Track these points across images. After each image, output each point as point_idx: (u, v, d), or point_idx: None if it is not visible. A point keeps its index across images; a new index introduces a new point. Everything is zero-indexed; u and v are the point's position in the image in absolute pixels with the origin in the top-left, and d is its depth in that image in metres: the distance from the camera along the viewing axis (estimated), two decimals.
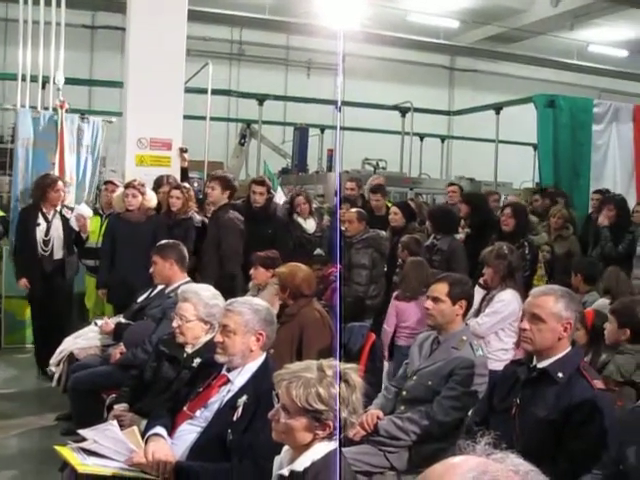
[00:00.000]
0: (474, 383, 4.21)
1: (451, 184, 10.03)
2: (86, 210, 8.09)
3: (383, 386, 4.73)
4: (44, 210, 7.65)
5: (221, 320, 3.72)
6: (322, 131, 16.74)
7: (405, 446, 4.17)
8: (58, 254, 7.70)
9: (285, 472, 2.62)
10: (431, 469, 1.35)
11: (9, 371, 7.84)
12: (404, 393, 4.41)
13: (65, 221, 7.80)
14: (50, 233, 7.65)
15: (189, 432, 3.54)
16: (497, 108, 13.73)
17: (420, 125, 16.84)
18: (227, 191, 7.42)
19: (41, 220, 7.62)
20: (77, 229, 7.86)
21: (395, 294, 6.41)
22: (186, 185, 8.11)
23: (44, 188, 7.62)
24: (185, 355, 4.40)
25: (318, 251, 8.04)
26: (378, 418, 4.25)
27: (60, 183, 7.76)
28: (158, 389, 4.37)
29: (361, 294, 7.07)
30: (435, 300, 4.43)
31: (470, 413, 4.18)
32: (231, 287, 6.27)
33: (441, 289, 4.43)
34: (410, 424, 4.16)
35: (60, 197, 7.79)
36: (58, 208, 7.78)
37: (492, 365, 4.68)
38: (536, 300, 3.55)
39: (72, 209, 8.05)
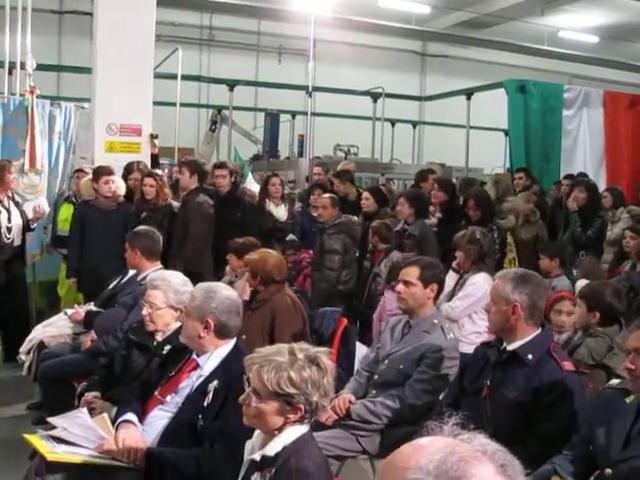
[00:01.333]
0: (445, 366, 4.24)
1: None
2: (46, 206, 7.97)
3: (355, 370, 4.72)
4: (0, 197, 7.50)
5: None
6: (293, 117, 16.70)
7: (377, 430, 4.19)
8: (17, 241, 7.58)
9: (257, 457, 2.61)
10: (399, 450, 1.35)
11: None
12: (376, 377, 4.42)
13: (19, 208, 7.68)
14: (12, 220, 7.52)
15: (160, 418, 3.52)
16: (468, 93, 13.75)
17: (392, 111, 16.82)
18: (195, 175, 7.40)
19: (1, 207, 7.48)
20: (29, 218, 7.73)
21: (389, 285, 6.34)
22: (158, 172, 8.06)
23: (2, 172, 7.43)
24: (155, 343, 4.37)
25: (290, 237, 8.04)
26: (350, 402, 4.26)
27: (13, 168, 7.59)
28: (128, 377, 4.33)
29: (334, 278, 7.06)
30: (406, 284, 4.43)
31: (441, 396, 4.21)
32: (197, 272, 6.23)
33: (412, 272, 4.44)
34: (382, 408, 4.17)
35: (13, 182, 7.61)
36: (9, 194, 7.62)
37: (465, 348, 4.70)
38: (493, 284, 3.69)
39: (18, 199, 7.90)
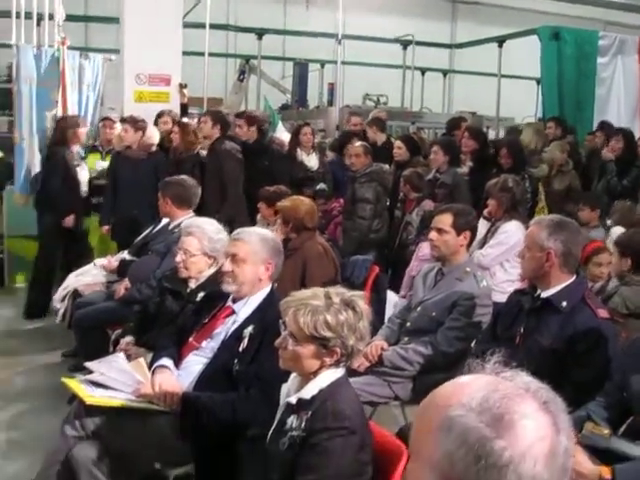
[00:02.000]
0: (478, 314, 4.23)
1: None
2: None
3: (386, 318, 4.74)
4: (72, 151, 7.62)
5: (229, 249, 3.70)
6: (322, 66, 16.53)
7: (409, 376, 4.22)
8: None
9: (293, 400, 2.65)
10: (439, 389, 1.36)
11: (13, 310, 7.86)
12: (408, 324, 4.44)
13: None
14: (88, 174, 7.79)
15: (195, 363, 3.57)
16: (500, 41, 13.49)
17: (422, 59, 16.61)
18: (217, 125, 7.39)
19: (78, 161, 7.64)
20: None
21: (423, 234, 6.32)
22: (185, 120, 8.06)
23: (73, 128, 7.55)
24: (189, 290, 4.41)
25: (321, 186, 8.02)
26: (382, 349, 4.29)
27: (83, 122, 7.83)
28: (163, 323, 4.38)
29: (365, 227, 7.06)
30: (439, 231, 4.42)
31: (473, 344, 4.22)
32: (237, 217, 6.26)
33: (445, 220, 4.43)
34: (414, 354, 4.20)
35: (84, 137, 7.85)
36: (76, 149, 7.76)
37: (497, 297, 4.68)
38: (527, 230, 3.68)
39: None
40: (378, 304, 5.33)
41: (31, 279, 7.74)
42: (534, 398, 1.29)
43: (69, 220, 7.50)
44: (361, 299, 2.67)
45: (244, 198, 7.27)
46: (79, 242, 7.80)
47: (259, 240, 3.63)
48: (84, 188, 7.78)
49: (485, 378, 1.33)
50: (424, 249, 5.82)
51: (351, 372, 3.53)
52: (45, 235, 7.59)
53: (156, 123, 8.04)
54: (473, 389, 1.29)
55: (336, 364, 2.63)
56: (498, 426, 1.23)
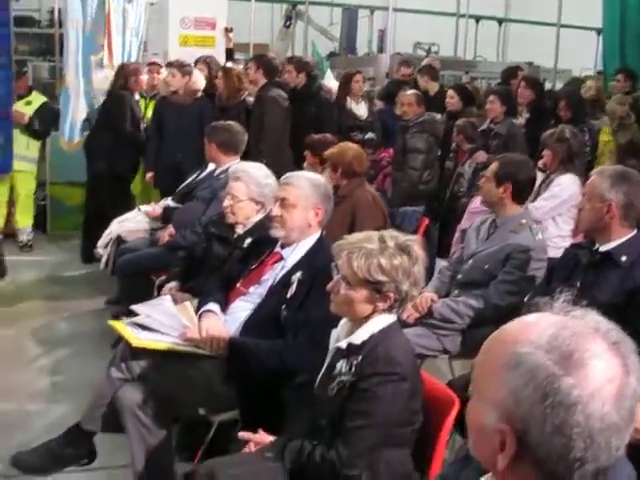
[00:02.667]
0: (532, 268, 4.19)
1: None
2: None
3: (437, 270, 4.73)
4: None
5: (278, 194, 3.71)
6: (372, 12, 16.30)
7: (459, 329, 4.22)
8: None
9: (343, 345, 2.66)
10: (506, 327, 1.35)
11: (57, 256, 8.01)
12: (459, 276, 4.42)
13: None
14: None
15: (242, 309, 3.60)
16: None
17: (476, 6, 16.29)
18: (261, 69, 7.38)
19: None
20: None
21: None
22: (229, 65, 8.04)
23: (135, 75, 7.65)
24: (236, 236, 4.43)
25: (370, 135, 7.96)
26: (432, 301, 4.28)
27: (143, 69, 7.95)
28: (209, 268, 4.42)
29: (415, 178, 7.02)
30: (485, 179, 4.44)
31: (527, 298, 4.19)
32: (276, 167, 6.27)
33: (492, 168, 4.42)
34: (465, 307, 4.19)
35: (145, 84, 7.97)
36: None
37: (549, 252, 4.63)
38: (588, 180, 3.62)
39: None
40: (428, 257, 5.29)
41: (83, 225, 7.85)
42: (604, 338, 1.28)
43: (150, 177, 7.64)
44: (416, 244, 2.66)
45: (286, 147, 7.28)
46: (125, 189, 7.89)
47: (309, 184, 3.63)
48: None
49: (554, 316, 1.32)
50: (476, 202, 5.77)
51: (400, 323, 3.55)
52: (94, 181, 7.66)
53: None
54: (542, 327, 1.29)
55: (389, 309, 2.64)
56: (567, 364, 1.22)
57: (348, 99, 8.13)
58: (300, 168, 6.50)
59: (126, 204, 7.24)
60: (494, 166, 4.43)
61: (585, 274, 3.57)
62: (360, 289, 2.60)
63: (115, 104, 7.52)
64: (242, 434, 2.85)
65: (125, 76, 7.57)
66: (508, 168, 4.40)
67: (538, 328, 1.29)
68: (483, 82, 14.27)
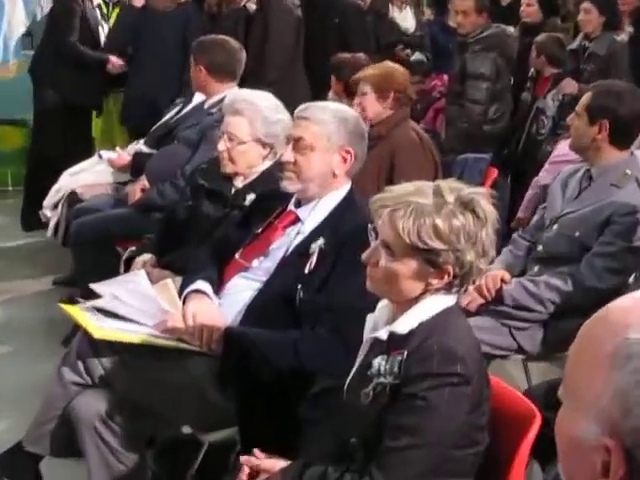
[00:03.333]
0: None
1: None
2: None
3: (511, 239, 4.71)
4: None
5: (291, 132, 3.69)
6: None
7: (539, 320, 4.21)
8: None
9: (382, 335, 2.64)
10: (611, 305, 1.34)
11: None
12: (540, 248, 4.40)
13: None
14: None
15: (243, 289, 3.60)
16: None
17: None
18: None
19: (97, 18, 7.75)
20: None
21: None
22: None
23: None
24: (234, 190, 4.44)
25: (417, 56, 7.91)
26: (503, 281, 4.26)
27: None
28: (197, 235, 4.43)
29: (477, 115, 6.99)
30: (576, 115, 4.43)
31: (632, 278, 4.17)
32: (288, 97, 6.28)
33: (584, 100, 4.39)
34: (547, 290, 4.16)
35: None
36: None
37: None
38: None
39: None
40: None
41: (25, 178, 7.85)
42: None
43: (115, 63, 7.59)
44: (485, 198, 2.64)
45: (301, 72, 7.30)
46: (81, 127, 7.88)
47: (334, 118, 3.60)
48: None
49: None
50: (563, 148, 5.74)
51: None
52: (44, 117, 7.65)
53: None
54: None
55: (447, 288, 2.62)
56: None
57: (390, 6, 8.07)
58: (318, 99, 6.51)
59: (83, 149, 7.26)
60: (587, 97, 4.39)
61: None
62: (407, 260, 2.57)
63: (61, 11, 7.53)
64: (244, 459, 2.84)
65: None
66: (606, 100, 4.36)
67: None
68: None
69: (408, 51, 7.67)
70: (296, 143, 3.59)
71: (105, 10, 8.03)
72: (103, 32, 7.81)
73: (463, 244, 2.54)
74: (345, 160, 3.59)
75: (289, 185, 3.62)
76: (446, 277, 2.58)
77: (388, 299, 2.74)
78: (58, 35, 7.44)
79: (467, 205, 2.57)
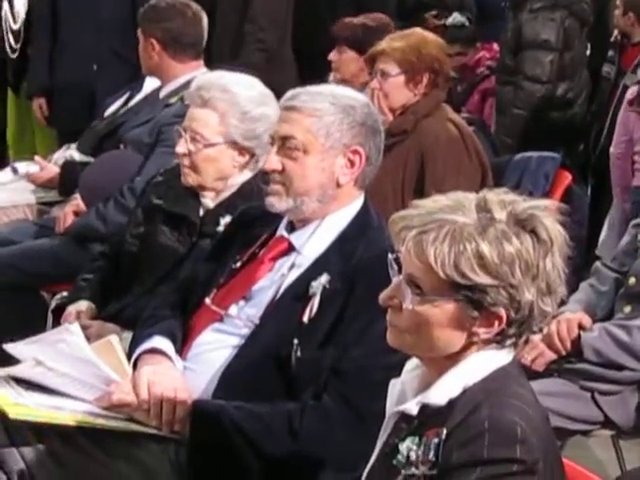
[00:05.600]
0: None
1: None
2: None
3: (592, 270, 4.72)
4: None
5: (276, 129, 3.69)
6: None
7: (634, 382, 4.21)
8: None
9: (412, 408, 2.63)
10: None
11: None
12: (632, 281, 4.40)
13: None
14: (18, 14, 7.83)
15: (217, 346, 3.60)
16: None
17: None
18: None
19: None
20: None
21: (629, 92, 6.32)
22: None
23: None
24: (202, 212, 4.46)
25: (457, 18, 7.94)
26: (581, 327, 4.27)
27: None
28: (153, 275, 4.46)
29: (539, 98, 7.02)
30: None
31: None
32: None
33: None
34: None
35: None
36: None
37: None
38: None
39: None
40: (573, 244, 5.32)
41: None
42: None
43: (39, 106, 7.68)
44: (551, 214, 2.63)
45: (288, 50, 7.40)
46: None
47: (334, 107, 3.60)
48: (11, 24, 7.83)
49: None
50: None
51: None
52: None
53: None
54: None
55: (499, 340, 2.62)
56: None
57: None
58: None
59: None
60: None
61: None
62: (442, 301, 2.56)
63: None
64: None
65: None
66: None
67: None
68: None
69: (434, 14, 7.71)
70: (283, 144, 3.59)
71: None
72: None
73: (519, 278, 2.53)
74: (353, 164, 3.59)
75: (276, 202, 3.62)
76: (497, 324, 2.56)
77: (417, 357, 2.74)
78: None
79: (525, 224, 2.56)
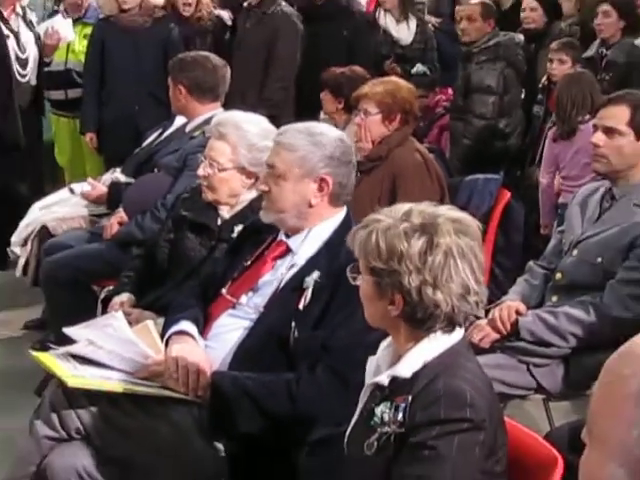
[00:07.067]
0: None
1: None
2: (65, 26, 7.87)
3: (526, 267, 4.70)
4: (4, 14, 7.50)
5: (267, 159, 3.74)
6: None
7: (560, 356, 4.20)
8: (33, 79, 7.68)
9: (383, 380, 2.64)
10: (637, 339, 1.34)
11: None
12: (558, 276, 4.40)
13: (34, 31, 7.73)
14: (26, 49, 7.57)
15: (232, 328, 3.61)
16: None
17: None
18: None
19: (5, 30, 7.46)
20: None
21: (551, 132, 6.34)
22: None
23: None
24: (220, 222, 4.46)
25: (418, 68, 7.91)
26: (518, 313, 4.26)
27: None
28: (180, 272, 4.45)
29: (484, 131, 7.01)
30: (609, 132, 4.34)
31: None
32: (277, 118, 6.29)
33: (619, 115, 4.34)
34: (568, 322, 4.16)
35: None
36: (19, 10, 7.67)
37: None
38: None
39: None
40: (509, 248, 5.32)
41: None
42: None
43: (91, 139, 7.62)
44: (450, 228, 2.63)
45: (292, 92, 7.36)
46: (24, 158, 7.67)
47: (307, 141, 3.61)
48: (27, 72, 7.60)
49: None
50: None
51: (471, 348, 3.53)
52: None
53: None
54: None
55: (422, 322, 2.62)
56: None
57: (381, 13, 8.08)
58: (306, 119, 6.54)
59: (34, 183, 7.27)
60: (625, 112, 4.33)
61: None
62: (366, 280, 2.72)
63: None
64: None
65: None
66: None
67: None
68: None
69: (394, 65, 7.67)
70: (270, 171, 3.66)
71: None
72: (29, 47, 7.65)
73: (404, 267, 2.57)
74: (322, 189, 3.61)
75: (264, 216, 3.72)
76: (399, 303, 2.62)
77: (392, 336, 2.75)
78: None
79: (425, 229, 2.60)
